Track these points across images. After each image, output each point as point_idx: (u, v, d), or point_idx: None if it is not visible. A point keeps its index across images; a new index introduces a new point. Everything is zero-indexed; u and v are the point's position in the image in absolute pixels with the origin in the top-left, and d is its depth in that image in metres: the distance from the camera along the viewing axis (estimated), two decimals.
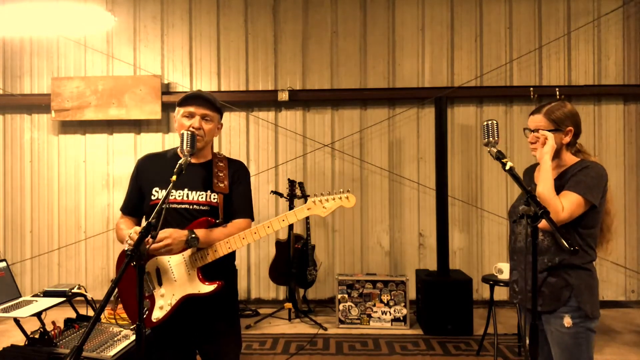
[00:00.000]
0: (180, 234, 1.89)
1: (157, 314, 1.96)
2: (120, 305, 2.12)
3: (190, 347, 2.09)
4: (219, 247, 1.95)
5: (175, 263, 1.97)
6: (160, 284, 1.99)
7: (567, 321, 1.90)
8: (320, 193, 1.95)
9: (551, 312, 1.94)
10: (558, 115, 1.98)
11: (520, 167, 2.22)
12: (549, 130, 1.99)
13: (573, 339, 1.91)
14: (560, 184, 1.95)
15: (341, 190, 1.92)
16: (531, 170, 2.20)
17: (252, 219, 2.11)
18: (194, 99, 2.05)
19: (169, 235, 1.86)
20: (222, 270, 2.03)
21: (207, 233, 1.95)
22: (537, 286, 1.94)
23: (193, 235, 1.90)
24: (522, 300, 2.06)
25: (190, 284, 1.95)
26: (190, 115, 2.04)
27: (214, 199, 2.03)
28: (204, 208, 2.02)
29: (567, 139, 2.00)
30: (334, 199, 1.91)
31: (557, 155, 2.01)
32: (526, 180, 2.20)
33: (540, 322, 2.01)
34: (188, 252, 1.96)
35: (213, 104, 2.07)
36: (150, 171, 2.10)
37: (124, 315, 2.24)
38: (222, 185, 2.05)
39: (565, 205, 1.85)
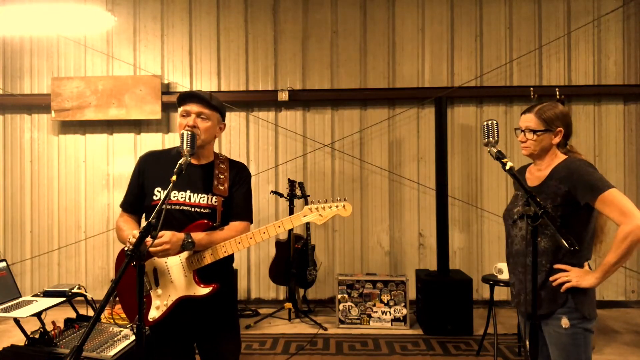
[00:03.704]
0: (178, 238, 1.88)
1: (154, 314, 1.97)
2: (118, 305, 2.13)
3: (190, 347, 2.09)
4: (216, 251, 1.96)
5: (172, 265, 1.97)
6: (157, 284, 1.99)
7: (565, 322, 1.90)
8: (317, 200, 1.96)
9: (549, 315, 1.94)
10: (549, 115, 1.98)
11: (520, 167, 2.23)
12: (540, 131, 1.97)
13: (571, 340, 1.91)
14: (551, 184, 1.95)
15: (338, 198, 1.94)
16: (522, 171, 2.18)
17: (251, 222, 2.11)
18: (189, 97, 2.06)
19: (168, 240, 1.84)
20: (219, 272, 2.03)
21: (204, 236, 1.95)
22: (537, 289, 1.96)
23: (189, 240, 1.90)
24: (519, 304, 2.06)
25: (186, 285, 1.96)
26: (187, 114, 2.04)
27: (215, 201, 2.03)
28: (205, 211, 2.02)
29: (556, 140, 2.00)
30: (330, 207, 1.92)
31: (546, 154, 2.02)
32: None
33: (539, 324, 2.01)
34: (185, 254, 1.96)
35: (208, 102, 2.05)
36: (153, 170, 2.09)
37: (124, 315, 2.24)
38: (222, 187, 2.05)
39: (620, 212, 1.80)
